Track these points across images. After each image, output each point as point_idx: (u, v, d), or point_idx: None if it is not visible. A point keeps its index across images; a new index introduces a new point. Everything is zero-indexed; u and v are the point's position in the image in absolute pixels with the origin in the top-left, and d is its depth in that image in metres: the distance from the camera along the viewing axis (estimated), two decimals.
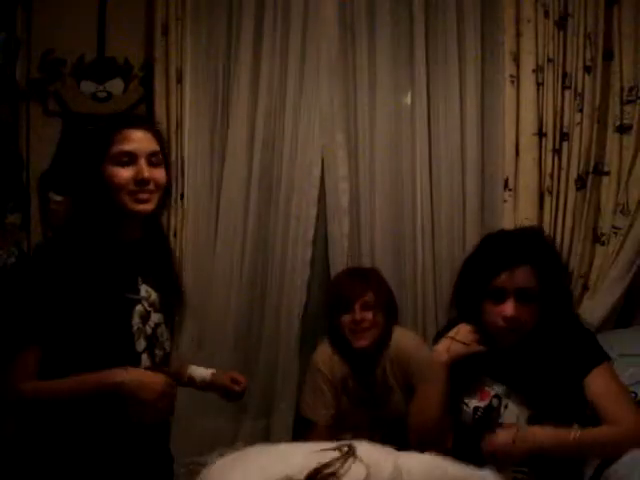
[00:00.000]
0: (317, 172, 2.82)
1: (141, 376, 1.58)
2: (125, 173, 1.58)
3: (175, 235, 2.72)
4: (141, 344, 1.64)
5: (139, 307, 1.65)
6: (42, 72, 2.74)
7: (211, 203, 2.82)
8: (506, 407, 1.80)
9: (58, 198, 2.72)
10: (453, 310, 1.91)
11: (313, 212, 2.83)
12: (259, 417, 2.83)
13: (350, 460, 0.87)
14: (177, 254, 2.72)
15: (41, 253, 1.69)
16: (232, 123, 2.81)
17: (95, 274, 1.58)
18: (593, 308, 2.57)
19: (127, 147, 1.58)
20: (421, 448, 1.92)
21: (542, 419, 1.73)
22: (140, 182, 1.58)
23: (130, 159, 1.59)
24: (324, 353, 2.44)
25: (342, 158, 2.81)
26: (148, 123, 1.72)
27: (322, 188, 2.84)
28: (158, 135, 1.68)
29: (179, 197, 2.72)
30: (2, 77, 2.65)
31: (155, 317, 1.68)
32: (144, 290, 1.67)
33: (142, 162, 1.59)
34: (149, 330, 1.66)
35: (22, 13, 2.69)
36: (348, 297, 2.34)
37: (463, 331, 1.83)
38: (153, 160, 1.61)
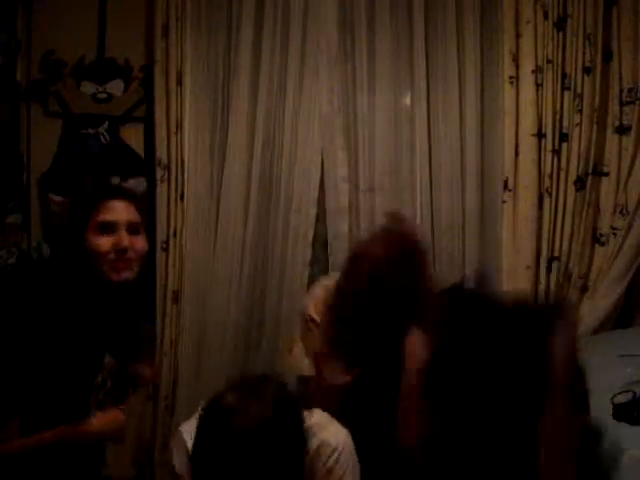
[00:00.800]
0: (317, 172, 2.83)
1: (110, 421, 1.71)
2: (106, 242, 1.64)
3: (175, 235, 2.73)
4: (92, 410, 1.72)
5: (99, 377, 1.71)
6: (42, 73, 2.75)
7: (211, 203, 2.83)
8: None
9: (58, 199, 2.73)
10: None
11: (313, 212, 2.84)
12: None
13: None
14: (177, 254, 2.73)
15: (17, 319, 1.66)
16: (232, 123, 2.81)
17: (67, 343, 1.62)
18: (593, 308, 2.58)
19: (108, 217, 1.65)
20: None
21: None
22: (120, 251, 1.64)
23: (111, 228, 1.65)
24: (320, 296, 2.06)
25: (342, 159, 2.82)
26: (129, 195, 1.79)
27: (322, 188, 2.85)
28: (138, 205, 1.75)
29: (179, 197, 2.73)
30: (3, 78, 2.65)
31: (108, 383, 1.74)
32: (107, 359, 1.73)
33: (122, 231, 1.65)
34: (100, 397, 1.73)
35: (22, 14, 2.69)
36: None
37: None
38: (133, 229, 1.68)
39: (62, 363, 1.61)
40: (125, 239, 1.64)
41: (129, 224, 1.67)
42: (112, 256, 1.63)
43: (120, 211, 1.67)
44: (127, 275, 1.66)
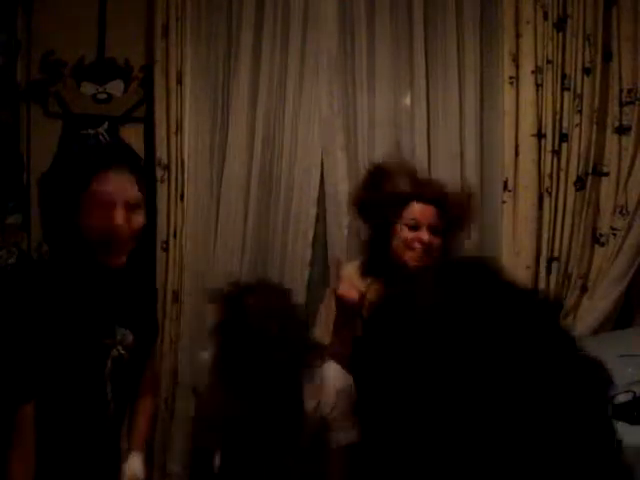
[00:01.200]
0: (317, 172, 2.83)
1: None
2: (100, 218, 1.52)
3: (175, 235, 2.73)
4: (109, 387, 1.67)
5: (114, 351, 1.66)
6: (42, 73, 2.75)
7: (211, 203, 2.83)
8: None
9: None
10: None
11: (313, 212, 2.84)
12: None
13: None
14: (177, 254, 2.73)
15: (20, 297, 1.60)
16: (232, 123, 2.82)
17: (73, 321, 1.58)
18: (592, 308, 2.58)
19: (105, 190, 1.52)
20: None
21: None
22: (113, 228, 1.52)
23: (107, 204, 1.52)
24: (350, 272, 2.21)
25: (342, 159, 2.82)
26: (128, 165, 1.63)
27: (322, 189, 2.85)
28: (138, 176, 1.61)
29: (179, 197, 2.73)
30: (3, 78, 2.66)
31: (128, 358, 1.69)
32: (120, 334, 1.68)
33: (118, 208, 1.53)
34: (119, 373, 1.68)
35: (22, 14, 2.69)
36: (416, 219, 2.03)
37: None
38: (130, 205, 1.55)
39: (70, 346, 1.57)
40: (119, 217, 1.52)
41: (126, 201, 1.54)
42: (104, 236, 1.52)
43: (117, 186, 1.53)
44: (118, 261, 1.58)
